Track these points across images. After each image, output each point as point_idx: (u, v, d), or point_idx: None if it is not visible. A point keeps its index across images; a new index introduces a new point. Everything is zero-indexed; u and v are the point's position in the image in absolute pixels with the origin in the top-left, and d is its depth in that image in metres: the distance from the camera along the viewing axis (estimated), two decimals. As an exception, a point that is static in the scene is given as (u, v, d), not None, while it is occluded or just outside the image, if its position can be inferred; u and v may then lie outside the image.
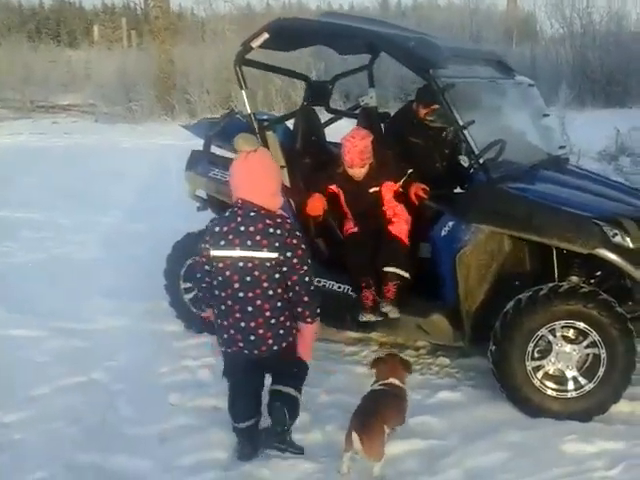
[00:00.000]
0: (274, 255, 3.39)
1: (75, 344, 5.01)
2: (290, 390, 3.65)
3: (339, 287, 4.67)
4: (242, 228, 3.40)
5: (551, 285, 3.98)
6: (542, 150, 4.99)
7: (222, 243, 3.42)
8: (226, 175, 4.96)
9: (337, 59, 12.91)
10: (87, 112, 22.81)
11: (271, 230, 3.40)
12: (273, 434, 3.64)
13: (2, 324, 5.31)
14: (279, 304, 3.46)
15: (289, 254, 3.41)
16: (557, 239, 4.00)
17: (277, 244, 3.39)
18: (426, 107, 4.88)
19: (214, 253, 3.46)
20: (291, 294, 3.50)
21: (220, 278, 3.46)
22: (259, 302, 3.43)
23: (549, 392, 4.01)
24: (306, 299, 3.52)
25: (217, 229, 3.47)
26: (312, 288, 3.55)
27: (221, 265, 3.44)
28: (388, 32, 4.49)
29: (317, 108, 5.59)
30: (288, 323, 3.53)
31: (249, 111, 4.79)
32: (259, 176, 3.46)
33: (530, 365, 4.00)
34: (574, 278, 4.26)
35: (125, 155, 14.03)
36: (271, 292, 3.43)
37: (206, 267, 3.55)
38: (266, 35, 4.67)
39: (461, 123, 4.18)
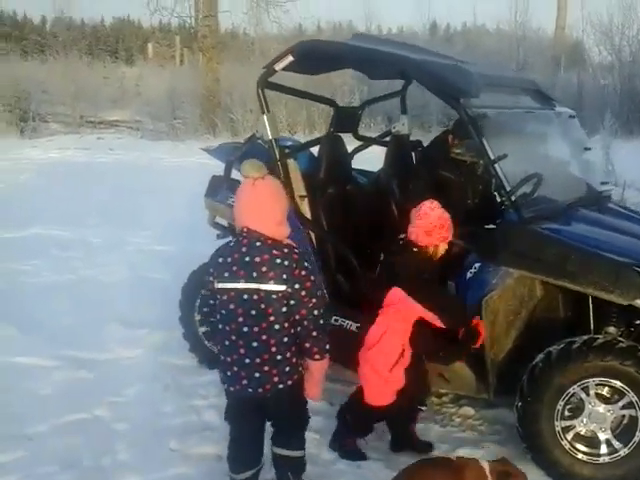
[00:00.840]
0: (282, 288, 3.15)
1: (82, 375, 4.84)
2: (296, 453, 3.40)
3: (357, 327, 4.38)
4: (247, 259, 3.17)
5: (585, 338, 3.63)
6: (582, 186, 4.64)
7: (226, 275, 3.20)
8: (245, 204, 4.77)
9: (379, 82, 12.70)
10: (133, 128, 23.08)
11: (278, 261, 3.15)
12: None
13: (11, 348, 5.14)
14: (285, 339, 3.20)
15: (297, 286, 3.16)
16: (593, 287, 3.64)
17: (285, 276, 3.15)
18: (461, 140, 4.59)
19: (218, 285, 3.23)
20: (299, 329, 3.23)
21: (224, 311, 3.24)
22: (264, 337, 3.17)
23: (579, 456, 3.65)
24: (315, 334, 3.24)
25: (221, 260, 3.25)
26: (322, 322, 3.27)
27: (225, 298, 3.22)
28: (417, 58, 4.21)
29: (345, 135, 5.33)
30: (294, 360, 3.26)
31: (270, 136, 4.56)
32: (266, 204, 3.23)
33: (559, 425, 3.65)
34: (611, 329, 3.91)
35: (164, 172, 14.03)
36: (277, 326, 3.18)
37: (210, 301, 3.33)
38: (291, 58, 4.45)
39: (492, 157, 3.87)
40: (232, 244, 3.27)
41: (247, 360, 3.20)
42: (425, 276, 3.73)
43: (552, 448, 3.65)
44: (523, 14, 24.33)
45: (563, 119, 4.83)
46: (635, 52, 19.79)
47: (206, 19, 21.82)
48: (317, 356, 3.28)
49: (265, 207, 3.22)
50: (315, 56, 4.53)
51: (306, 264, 3.25)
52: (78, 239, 8.96)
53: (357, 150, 5.68)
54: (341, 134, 5.23)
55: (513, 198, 3.85)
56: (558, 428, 3.64)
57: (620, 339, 3.63)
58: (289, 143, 5.07)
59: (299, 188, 4.58)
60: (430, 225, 3.73)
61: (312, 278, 3.25)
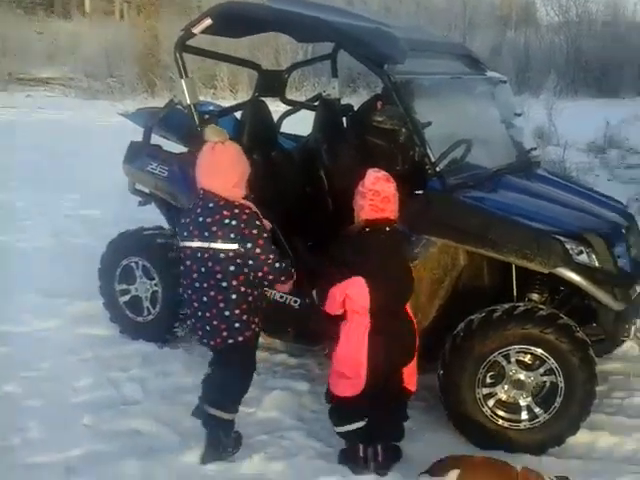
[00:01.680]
0: (232, 246, 3.34)
1: (-7, 349, 4.61)
2: (230, 416, 3.59)
3: (281, 297, 4.27)
4: (200, 219, 3.39)
5: (507, 306, 3.60)
6: (510, 153, 4.59)
7: (185, 234, 3.46)
8: (165, 170, 4.59)
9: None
10: (66, 86, 22.24)
11: (226, 221, 3.34)
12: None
13: None
14: (234, 296, 3.38)
15: (249, 245, 3.35)
16: (514, 256, 3.60)
17: (232, 235, 3.33)
18: (384, 107, 4.44)
19: (181, 244, 3.52)
20: (266, 283, 3.55)
21: (182, 267, 3.51)
22: (212, 293, 3.39)
23: (500, 422, 3.65)
24: (282, 279, 3.55)
25: (182, 220, 3.52)
26: (286, 268, 3.52)
27: (183, 255, 3.49)
28: (339, 21, 4.04)
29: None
30: (245, 317, 3.44)
31: (188, 102, 4.35)
32: (222, 166, 3.39)
33: (480, 392, 3.63)
34: (535, 296, 3.91)
35: (97, 133, 13.53)
36: (225, 284, 3.37)
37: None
38: (209, 20, 4.23)
39: (415, 124, 3.76)
40: (191, 206, 3.50)
41: (199, 313, 3.46)
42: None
43: (473, 415, 3.63)
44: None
45: (493, 84, 4.74)
46: (581, 13, 19.95)
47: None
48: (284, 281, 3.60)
49: (221, 169, 3.39)
50: (235, 19, 4.30)
51: (257, 223, 3.40)
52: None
53: (286, 115, 5.51)
54: (268, 98, 5.06)
55: (437, 166, 3.75)
56: (479, 395, 3.62)
57: (541, 307, 3.61)
58: (211, 108, 4.86)
59: (220, 154, 4.38)
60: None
61: (265, 235, 3.41)
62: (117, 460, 3.47)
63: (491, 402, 3.65)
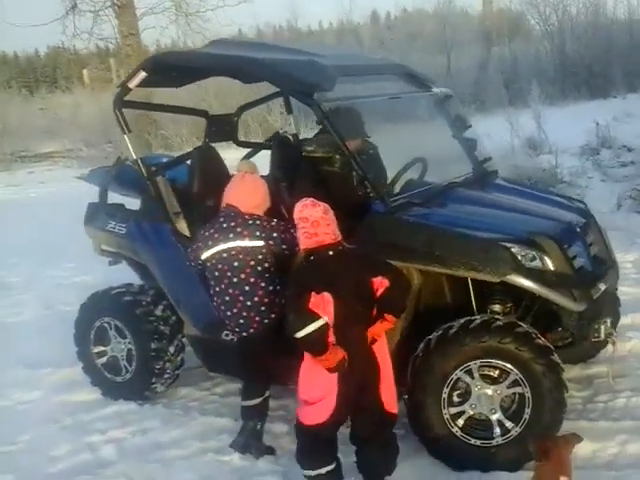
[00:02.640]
0: (258, 243, 3.73)
1: (-27, 426, 4.61)
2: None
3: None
4: (224, 225, 3.79)
5: (462, 321, 3.53)
6: (463, 166, 4.56)
7: (209, 243, 3.81)
8: (123, 227, 4.62)
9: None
10: (68, 158, 22.63)
11: (250, 222, 3.77)
12: None
13: None
14: (247, 288, 3.80)
15: (275, 235, 3.75)
16: (463, 268, 3.55)
17: (257, 232, 3.73)
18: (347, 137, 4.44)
19: (204, 255, 3.85)
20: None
21: (216, 274, 3.83)
22: (252, 279, 3.78)
23: (473, 441, 3.55)
24: None
25: (203, 232, 3.89)
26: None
27: (213, 262, 3.82)
28: (265, 58, 4.07)
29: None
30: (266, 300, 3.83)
31: (134, 157, 4.41)
32: (248, 189, 3.87)
33: (447, 412, 3.54)
34: (496, 307, 3.83)
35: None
36: (260, 268, 3.78)
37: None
38: (143, 73, 4.31)
39: (349, 150, 3.76)
40: (213, 220, 3.88)
41: (249, 302, 3.81)
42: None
43: (443, 437, 3.55)
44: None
45: (438, 100, 4.72)
46: (561, 19, 19.99)
47: (127, 38, 21.47)
48: None
49: (247, 190, 3.88)
50: (169, 69, 4.37)
51: (281, 225, 3.81)
52: (-4, 281, 8.71)
53: (249, 156, 5.53)
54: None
55: (377, 188, 3.73)
56: (447, 416, 3.54)
57: (497, 317, 3.55)
58: (163, 160, 4.91)
59: (172, 205, 4.43)
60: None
61: (292, 230, 3.61)
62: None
63: (460, 421, 3.56)
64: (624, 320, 4.81)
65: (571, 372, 4.44)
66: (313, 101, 3.82)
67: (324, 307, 3.11)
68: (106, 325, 4.80)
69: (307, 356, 3.27)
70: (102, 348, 4.85)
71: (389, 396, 3.33)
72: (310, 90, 3.84)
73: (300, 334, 3.10)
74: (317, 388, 3.24)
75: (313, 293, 3.10)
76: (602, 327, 3.83)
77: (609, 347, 4.49)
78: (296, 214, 3.29)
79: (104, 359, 4.85)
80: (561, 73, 17.80)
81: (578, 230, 3.91)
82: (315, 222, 3.22)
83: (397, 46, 21.12)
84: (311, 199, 3.31)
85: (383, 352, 3.32)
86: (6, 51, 58.03)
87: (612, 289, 4.21)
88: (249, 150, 5.55)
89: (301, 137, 5.43)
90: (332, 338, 3.17)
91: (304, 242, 3.25)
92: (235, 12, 35.29)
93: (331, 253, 3.22)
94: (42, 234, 10.89)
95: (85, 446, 4.24)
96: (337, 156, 3.96)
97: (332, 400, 3.20)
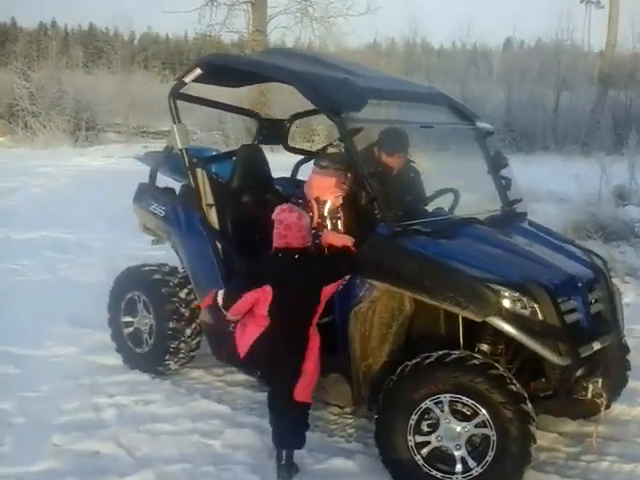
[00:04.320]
0: None
1: (6, 370, 5.07)
2: None
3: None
4: None
5: (441, 353, 3.58)
6: (490, 203, 4.57)
7: None
8: (162, 210, 4.93)
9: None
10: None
11: None
12: None
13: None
14: None
15: None
16: (449, 303, 3.60)
17: None
18: (388, 154, 4.59)
19: None
20: None
21: None
22: None
23: (434, 472, 3.59)
24: None
25: None
26: None
27: None
28: (300, 70, 4.26)
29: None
30: None
31: (179, 146, 4.71)
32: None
33: (412, 440, 3.60)
34: (484, 346, 3.82)
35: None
36: None
37: None
38: (199, 70, 4.60)
39: (364, 170, 3.88)
40: None
41: None
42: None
43: (406, 463, 3.61)
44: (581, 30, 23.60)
45: (477, 135, 4.73)
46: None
47: (255, 34, 22.27)
48: None
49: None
50: (222, 70, 4.63)
51: None
52: (77, 242, 9.39)
53: (300, 163, 5.72)
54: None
55: (383, 210, 3.83)
56: (411, 443, 3.60)
57: (475, 356, 3.55)
58: (211, 153, 5.19)
59: (207, 196, 4.69)
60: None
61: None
62: (59, 477, 3.74)
63: (425, 451, 3.60)
64: (636, 385, 4.66)
65: (566, 427, 4.38)
66: (339, 119, 3.96)
67: (263, 299, 3.63)
68: (136, 298, 5.14)
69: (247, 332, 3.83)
70: (130, 319, 5.20)
71: (304, 388, 3.75)
72: (337, 109, 3.99)
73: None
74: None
75: (258, 288, 3.63)
76: (590, 386, 3.76)
77: (615, 410, 4.44)
78: (274, 215, 3.76)
79: (130, 329, 5.20)
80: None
81: (580, 284, 3.84)
82: (287, 225, 3.69)
83: (513, 76, 20.69)
84: (289, 204, 3.82)
85: (313, 353, 3.77)
86: (160, 32, 61.35)
87: (617, 352, 4.12)
88: (303, 157, 5.76)
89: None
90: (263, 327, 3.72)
91: (276, 241, 3.73)
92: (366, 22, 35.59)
93: (296, 257, 3.68)
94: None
95: (91, 406, 4.59)
96: (348, 174, 4.08)
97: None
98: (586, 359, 3.70)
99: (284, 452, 3.82)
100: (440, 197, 4.55)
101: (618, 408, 4.55)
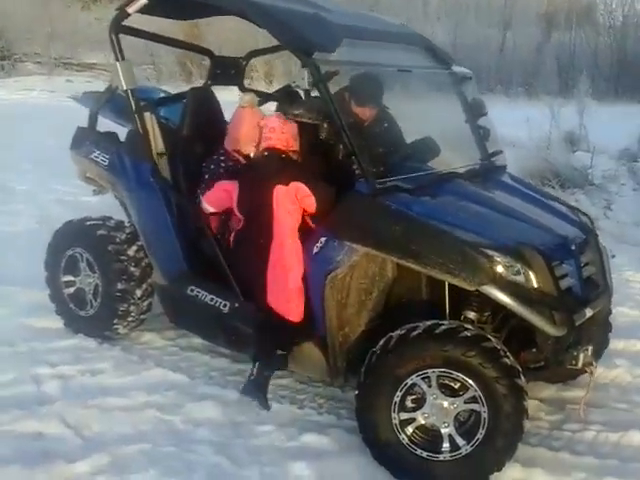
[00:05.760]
0: None
1: None
2: None
3: (212, 300, 4.05)
4: None
5: (429, 323, 3.27)
6: (470, 156, 4.24)
7: None
8: (106, 159, 4.41)
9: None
10: (109, 72, 22.41)
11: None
12: None
13: None
14: None
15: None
16: (437, 269, 3.27)
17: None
18: (359, 104, 4.14)
19: None
20: None
21: None
22: None
23: (418, 451, 3.32)
24: None
25: None
26: None
27: None
28: (265, 4, 3.76)
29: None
30: None
31: (124, 87, 4.17)
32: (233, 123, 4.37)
33: (397, 417, 3.31)
34: (471, 314, 3.55)
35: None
36: None
37: None
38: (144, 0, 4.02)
39: (341, 120, 3.46)
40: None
41: None
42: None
43: (389, 441, 3.33)
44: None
45: (454, 80, 4.37)
46: (626, 14, 19.07)
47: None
48: None
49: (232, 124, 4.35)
50: None
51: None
52: (0, 186, 8.62)
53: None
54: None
55: (364, 166, 3.44)
56: (395, 421, 3.31)
57: (466, 326, 3.26)
58: (160, 95, 4.66)
59: (157, 145, 4.20)
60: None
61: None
62: (4, 465, 3.28)
63: (409, 429, 3.33)
64: (615, 344, 4.49)
65: (545, 392, 4.19)
66: (311, 61, 3.52)
67: (232, 193, 3.91)
68: (78, 256, 4.64)
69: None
70: (71, 278, 4.71)
71: (287, 301, 3.63)
72: (309, 48, 3.53)
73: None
74: None
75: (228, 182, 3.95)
76: (581, 355, 3.54)
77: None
78: (260, 123, 4.00)
79: (71, 289, 4.71)
80: (617, 70, 16.96)
81: (574, 247, 3.58)
82: (272, 128, 3.89)
83: (457, 15, 20.32)
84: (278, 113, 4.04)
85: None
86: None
87: (603, 314, 3.91)
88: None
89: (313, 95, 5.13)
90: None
91: (262, 143, 3.92)
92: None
93: (265, 154, 3.88)
94: (63, 145, 10.73)
95: (30, 378, 4.09)
96: (325, 125, 3.65)
97: None
98: (578, 326, 3.47)
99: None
100: (417, 149, 4.17)
101: (596, 371, 4.39)
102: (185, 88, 15.45)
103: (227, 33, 18.39)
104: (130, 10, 4.06)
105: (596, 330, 3.95)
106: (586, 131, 10.89)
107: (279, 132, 3.85)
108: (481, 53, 16.44)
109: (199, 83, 17.40)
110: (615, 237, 7.20)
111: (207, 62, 16.53)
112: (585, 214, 4.10)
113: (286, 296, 3.64)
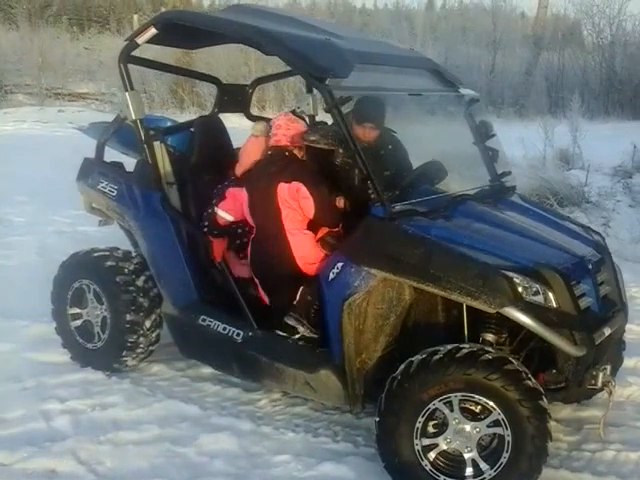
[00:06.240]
0: None
1: None
2: None
3: (224, 329, 4.00)
4: None
5: (450, 347, 3.24)
6: (480, 177, 4.24)
7: None
8: (114, 189, 4.39)
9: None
10: (102, 101, 22.45)
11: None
12: None
13: None
14: None
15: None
16: (458, 292, 3.24)
17: None
18: (358, 124, 4.13)
19: None
20: None
21: None
22: None
23: (442, 478, 3.27)
24: None
25: None
26: None
27: None
28: (280, 32, 3.76)
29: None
30: None
31: (133, 117, 4.15)
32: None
33: (419, 444, 3.27)
34: (489, 336, 3.52)
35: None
36: None
37: None
38: (153, 30, 4.03)
39: (356, 145, 3.45)
40: None
41: None
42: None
43: (411, 468, 3.28)
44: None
45: (463, 102, 4.38)
46: (614, 33, 19.27)
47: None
48: None
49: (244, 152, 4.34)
50: (180, 29, 4.06)
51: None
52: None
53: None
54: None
55: (379, 190, 3.43)
56: (418, 447, 3.27)
57: (487, 349, 3.23)
58: (167, 123, 4.65)
59: (167, 174, 4.17)
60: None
61: None
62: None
63: (432, 455, 3.28)
64: (627, 363, 4.46)
65: (561, 412, 4.16)
66: (324, 87, 3.51)
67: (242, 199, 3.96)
68: (85, 287, 4.58)
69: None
70: (78, 310, 4.65)
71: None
72: (322, 74, 3.53)
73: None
74: None
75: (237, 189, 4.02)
76: (600, 374, 3.52)
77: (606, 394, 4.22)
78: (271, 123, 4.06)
79: (78, 322, 4.65)
80: (606, 88, 17.12)
81: (590, 266, 3.58)
82: (278, 125, 3.94)
83: (446, 37, 20.54)
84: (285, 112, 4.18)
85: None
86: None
87: (619, 333, 3.89)
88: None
89: (318, 119, 5.15)
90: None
91: (272, 142, 3.97)
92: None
93: (286, 154, 3.90)
94: (58, 176, 10.66)
95: (40, 413, 4.02)
96: (340, 150, 3.64)
97: None
98: (597, 345, 3.45)
99: None
100: (426, 172, 4.16)
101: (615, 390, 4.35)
102: (177, 115, 15.45)
103: (218, 60, 18.45)
104: (139, 41, 4.05)
105: (613, 348, 3.92)
106: (580, 149, 10.96)
107: (284, 129, 3.91)
108: (472, 74, 16.62)
109: (191, 110, 17.49)
110: (616, 254, 7.17)
111: (199, 89, 16.61)
112: (598, 233, 4.10)
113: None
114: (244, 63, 18.52)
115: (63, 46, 27.67)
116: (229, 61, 18.90)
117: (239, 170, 4.26)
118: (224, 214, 4.05)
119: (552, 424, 3.81)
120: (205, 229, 4.14)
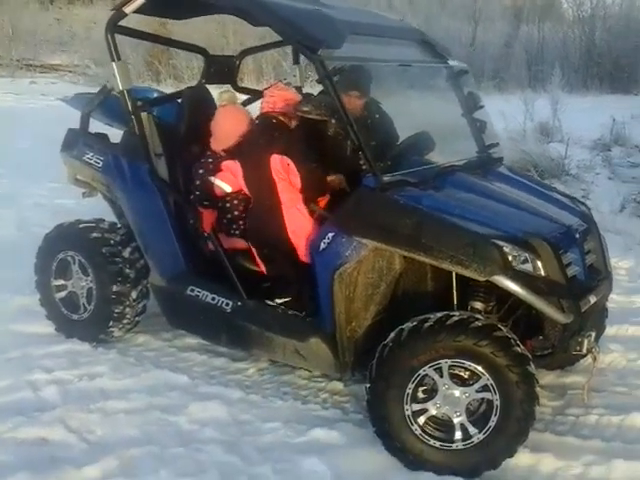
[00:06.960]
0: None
1: None
2: None
3: (213, 299, 4.01)
4: None
5: (440, 315, 3.28)
6: (468, 148, 4.26)
7: None
8: (100, 161, 4.35)
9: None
10: (75, 73, 22.12)
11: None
12: None
13: None
14: None
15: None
16: (449, 261, 3.28)
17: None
18: (345, 93, 4.11)
19: None
20: None
21: None
22: None
23: (431, 442, 3.33)
24: None
25: None
26: None
27: None
28: (269, 1, 3.72)
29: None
30: None
31: (121, 87, 4.10)
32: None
33: (409, 409, 3.32)
34: (478, 304, 3.57)
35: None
36: None
37: None
38: None
39: (348, 116, 3.45)
40: None
41: None
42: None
43: (401, 433, 3.33)
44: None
45: (452, 74, 4.39)
46: (594, 6, 19.35)
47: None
48: None
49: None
50: None
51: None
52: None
53: (244, 104, 5.21)
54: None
55: (371, 162, 3.43)
56: (408, 412, 3.32)
57: (477, 317, 3.28)
58: (153, 94, 4.60)
59: (155, 145, 4.14)
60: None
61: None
62: (9, 472, 3.19)
63: (422, 420, 3.34)
64: (608, 330, 4.56)
65: (545, 378, 4.23)
66: (317, 57, 3.49)
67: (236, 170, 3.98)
68: (69, 259, 4.55)
69: None
70: (62, 282, 4.61)
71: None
72: (315, 45, 3.51)
73: None
74: None
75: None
76: (585, 341, 3.59)
77: (589, 359, 4.31)
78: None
79: (63, 293, 4.62)
80: (586, 62, 17.25)
81: (577, 236, 3.63)
82: (265, 94, 4.04)
83: (425, 9, 20.48)
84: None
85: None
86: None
87: (603, 301, 3.97)
88: (247, 97, 5.24)
89: (305, 91, 5.12)
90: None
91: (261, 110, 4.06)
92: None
93: (273, 121, 3.93)
94: (33, 148, 10.57)
95: (27, 383, 4.00)
96: (333, 120, 3.63)
97: None
98: (583, 313, 3.51)
99: None
100: (415, 143, 4.17)
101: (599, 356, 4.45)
102: (154, 87, 15.30)
103: (196, 32, 18.23)
104: (127, 10, 3.99)
105: (597, 316, 4.00)
106: (559, 123, 11.05)
107: (268, 96, 3.99)
108: (452, 47, 16.52)
109: (168, 82, 17.34)
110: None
111: (175, 61, 16.43)
112: (583, 203, 4.16)
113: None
114: (222, 35, 18.31)
115: (33, 17, 27.14)
116: (207, 33, 18.68)
117: (215, 144, 4.21)
118: (223, 184, 4.05)
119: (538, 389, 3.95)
120: (193, 197, 4.11)
